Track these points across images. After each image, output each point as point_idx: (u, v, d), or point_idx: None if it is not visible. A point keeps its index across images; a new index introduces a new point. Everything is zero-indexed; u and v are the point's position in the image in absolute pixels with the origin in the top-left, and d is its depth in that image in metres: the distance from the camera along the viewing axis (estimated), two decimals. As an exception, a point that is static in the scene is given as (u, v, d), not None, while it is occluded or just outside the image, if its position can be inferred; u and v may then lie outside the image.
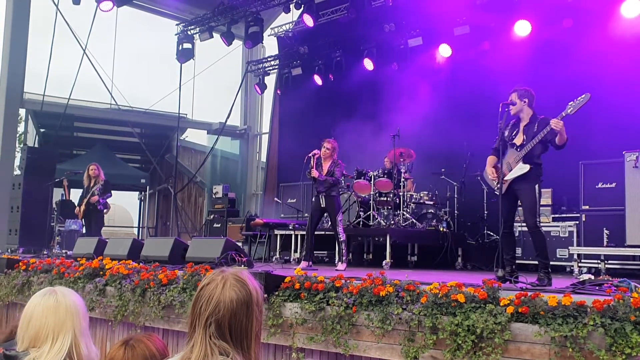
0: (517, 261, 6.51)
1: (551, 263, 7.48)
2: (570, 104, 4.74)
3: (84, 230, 9.85)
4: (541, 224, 5.18)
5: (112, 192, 9.78)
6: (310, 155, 7.41)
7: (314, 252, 7.67)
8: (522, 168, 4.87)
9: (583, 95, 4.68)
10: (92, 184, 9.45)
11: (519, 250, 7.63)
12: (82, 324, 2.18)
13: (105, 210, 9.73)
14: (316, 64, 12.20)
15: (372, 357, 3.92)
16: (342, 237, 7.05)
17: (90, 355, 2.16)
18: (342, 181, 7.54)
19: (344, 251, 7.01)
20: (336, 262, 7.10)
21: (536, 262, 5.21)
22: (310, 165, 7.28)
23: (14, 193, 10.84)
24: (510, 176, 4.92)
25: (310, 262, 7.15)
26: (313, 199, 7.56)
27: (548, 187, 7.91)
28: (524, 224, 5.07)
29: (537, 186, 4.93)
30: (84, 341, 2.14)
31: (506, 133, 5.08)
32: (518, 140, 4.99)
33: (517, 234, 7.84)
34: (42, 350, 2.06)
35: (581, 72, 8.26)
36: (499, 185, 4.96)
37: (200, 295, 1.71)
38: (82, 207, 9.46)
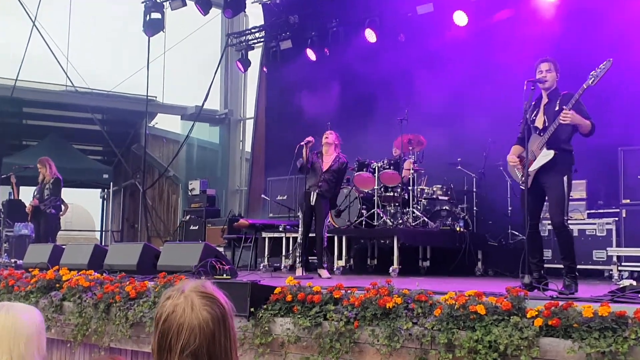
0: (546, 265, 6.55)
1: (587, 267, 7.58)
2: (592, 73, 4.78)
3: (35, 236, 9.86)
4: (570, 222, 5.19)
5: (71, 189, 9.79)
6: (302, 143, 7.40)
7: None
8: (546, 155, 4.85)
9: (604, 62, 4.72)
10: (43, 181, 9.46)
11: (548, 253, 7.66)
12: (23, 347, 2.06)
13: (62, 211, 9.72)
14: (309, 35, 12.15)
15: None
16: (325, 243, 7.37)
17: None
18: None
19: (324, 258, 7.29)
20: (318, 270, 7.20)
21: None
22: (302, 155, 7.35)
23: (-47, 192, 10.81)
24: (534, 166, 4.91)
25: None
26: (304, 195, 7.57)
27: (582, 178, 7.92)
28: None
29: (566, 178, 4.90)
30: None
31: (528, 115, 5.07)
32: (539, 122, 5.01)
33: (545, 234, 7.90)
34: None
35: (615, 40, 8.20)
36: (523, 178, 4.96)
37: (166, 328, 1.64)
38: (30, 207, 9.50)
